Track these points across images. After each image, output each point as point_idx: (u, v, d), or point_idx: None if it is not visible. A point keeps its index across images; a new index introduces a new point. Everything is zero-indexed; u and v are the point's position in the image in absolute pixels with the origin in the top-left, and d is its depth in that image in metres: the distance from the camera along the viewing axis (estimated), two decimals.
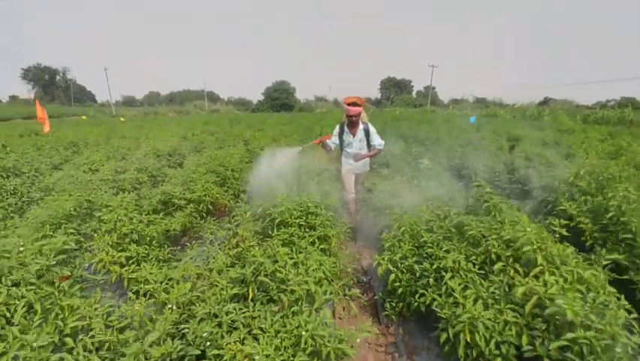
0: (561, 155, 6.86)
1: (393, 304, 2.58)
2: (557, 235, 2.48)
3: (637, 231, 2.49)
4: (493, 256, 2.18)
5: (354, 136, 4.27)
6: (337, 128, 4.43)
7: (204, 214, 4.10)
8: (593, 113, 22.99)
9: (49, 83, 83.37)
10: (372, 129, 4.29)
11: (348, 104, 4.06)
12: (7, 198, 3.51)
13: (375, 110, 49.91)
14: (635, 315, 1.85)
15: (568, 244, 2.29)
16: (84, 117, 35.03)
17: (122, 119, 27.40)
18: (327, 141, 4.37)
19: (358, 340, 1.77)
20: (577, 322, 1.57)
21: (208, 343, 1.52)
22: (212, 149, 7.32)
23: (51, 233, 2.49)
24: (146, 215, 3.25)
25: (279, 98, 57.58)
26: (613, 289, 1.88)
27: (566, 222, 2.67)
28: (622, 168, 4.20)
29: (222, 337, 1.57)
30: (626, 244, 2.58)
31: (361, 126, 4.26)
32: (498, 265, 2.05)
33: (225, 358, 1.47)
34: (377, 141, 4.30)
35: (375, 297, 2.96)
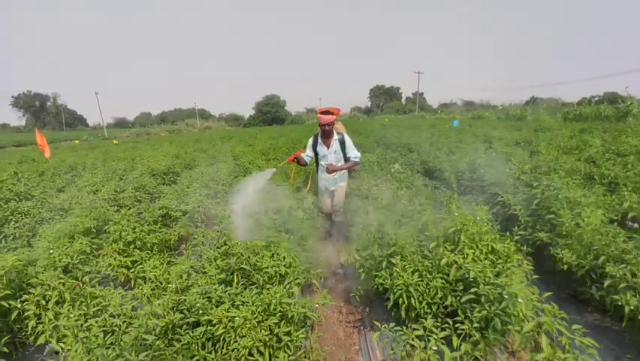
0: (527, 152, 7.47)
1: (359, 288, 3.06)
2: (497, 223, 3.01)
3: (556, 213, 3.02)
4: (432, 238, 2.69)
5: (328, 147, 4.06)
6: (311, 140, 4.21)
7: (198, 223, 4.57)
8: (572, 110, 23.78)
9: (40, 110, 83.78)
10: (348, 140, 4.08)
11: (321, 113, 3.91)
12: (22, 219, 3.97)
13: (365, 119, 50.95)
14: (538, 276, 2.36)
15: (494, 226, 2.81)
16: (77, 142, 35.45)
17: (115, 141, 27.79)
18: (302, 154, 4.14)
19: (332, 320, 2.26)
20: (480, 280, 2.07)
21: (201, 312, 1.99)
22: (203, 166, 7.80)
23: (69, 243, 2.96)
24: (147, 225, 3.72)
25: (270, 112, 58.39)
26: (519, 256, 2.39)
27: (505, 210, 3.20)
28: (564, 162, 4.76)
29: (212, 308, 2.05)
30: (551, 225, 3.11)
31: (336, 137, 4.05)
32: (432, 244, 2.55)
33: (214, 322, 1.94)
34: (353, 153, 4.07)
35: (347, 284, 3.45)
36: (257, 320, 1.96)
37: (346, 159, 4.09)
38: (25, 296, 2.22)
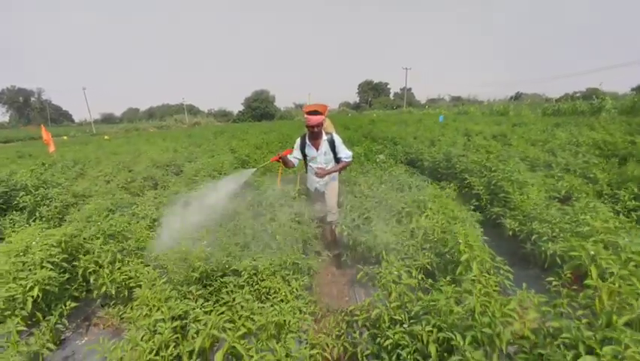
0: (500, 144, 8.22)
1: (348, 253, 3.71)
2: (465, 201, 3.68)
3: (506, 191, 3.72)
4: (405, 210, 3.36)
5: (317, 149, 3.82)
6: (298, 142, 3.95)
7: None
8: (551, 106, 24.91)
9: (23, 106, 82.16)
10: (337, 140, 3.86)
11: (308, 113, 3.66)
12: (51, 203, 4.51)
13: (354, 114, 51.75)
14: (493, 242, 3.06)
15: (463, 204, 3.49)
16: (65, 137, 35.34)
17: (106, 137, 27.90)
18: (288, 156, 3.88)
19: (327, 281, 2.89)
20: (437, 234, 2.74)
21: (227, 266, 2.62)
22: (203, 158, 8.35)
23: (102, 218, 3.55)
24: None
25: (259, 108, 58.68)
26: (473, 219, 3.08)
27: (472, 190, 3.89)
28: (528, 152, 5.49)
29: (239, 260, 2.67)
30: (504, 201, 3.81)
31: (325, 137, 3.82)
32: (405, 212, 3.22)
33: (241, 270, 2.56)
34: (344, 152, 3.86)
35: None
36: (274, 269, 2.59)
37: (337, 160, 3.89)
38: (85, 257, 2.80)
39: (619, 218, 2.88)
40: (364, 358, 1.77)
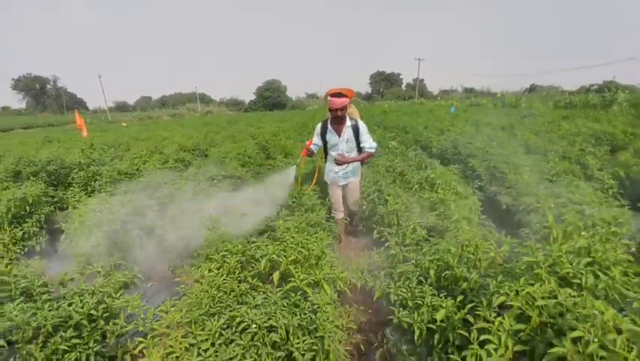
0: (507, 134, 8.65)
1: (363, 224, 4.27)
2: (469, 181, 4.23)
3: (503, 172, 4.24)
4: (416, 184, 3.91)
5: (339, 135, 3.58)
6: (319, 127, 3.71)
7: (234, 186, 5.78)
8: (563, 99, 24.94)
9: (40, 93, 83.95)
10: (362, 127, 3.59)
11: (332, 95, 3.41)
12: (102, 179, 5.16)
13: (365, 105, 51.93)
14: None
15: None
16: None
17: (124, 124, 28.78)
18: (311, 145, 3.72)
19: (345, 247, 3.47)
20: (446, 203, 3.29)
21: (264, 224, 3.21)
22: (226, 144, 8.97)
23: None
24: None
25: (271, 97, 59.10)
26: (474, 197, 3.62)
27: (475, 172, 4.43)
28: (529, 139, 5.96)
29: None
30: (502, 180, 4.32)
31: (349, 123, 3.56)
32: (415, 187, 3.77)
33: (276, 229, 3.14)
34: (368, 142, 3.60)
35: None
36: (302, 227, 3.17)
37: (360, 149, 3.64)
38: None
39: (596, 194, 3.39)
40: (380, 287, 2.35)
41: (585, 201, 3.07)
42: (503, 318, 1.49)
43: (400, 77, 79.98)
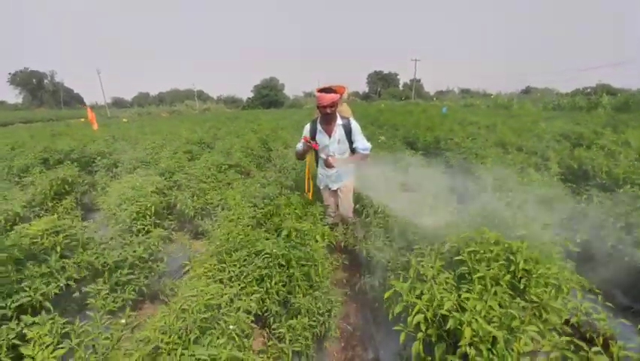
0: (488, 132, 9.41)
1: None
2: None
3: (471, 162, 4.98)
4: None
5: (330, 135, 3.24)
6: (308, 127, 3.37)
7: (239, 174, 6.47)
8: (551, 101, 25.87)
9: (37, 88, 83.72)
10: (355, 126, 3.25)
11: (320, 91, 3.06)
12: (124, 165, 5.85)
13: (362, 104, 52.69)
14: None
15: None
16: (82, 120, 36.78)
17: (124, 120, 29.31)
18: (298, 145, 3.38)
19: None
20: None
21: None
22: (230, 138, 9.65)
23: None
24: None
25: (269, 95, 59.76)
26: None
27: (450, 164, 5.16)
28: (506, 136, 6.72)
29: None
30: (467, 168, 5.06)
31: (340, 121, 3.23)
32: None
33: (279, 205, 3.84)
34: (362, 143, 3.23)
35: None
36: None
37: (352, 151, 3.30)
38: (174, 192, 4.13)
39: (543, 179, 4.13)
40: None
41: (529, 183, 3.81)
42: None
43: (398, 77, 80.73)
